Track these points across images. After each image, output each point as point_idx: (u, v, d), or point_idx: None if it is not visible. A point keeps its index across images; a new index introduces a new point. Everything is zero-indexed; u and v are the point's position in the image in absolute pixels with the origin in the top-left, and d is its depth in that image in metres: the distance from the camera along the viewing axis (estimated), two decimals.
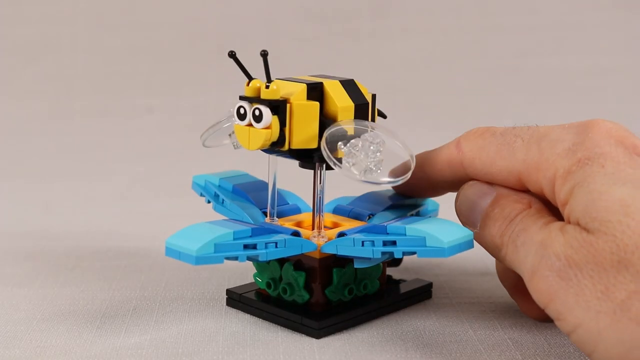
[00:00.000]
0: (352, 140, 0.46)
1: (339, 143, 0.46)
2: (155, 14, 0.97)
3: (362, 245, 0.46)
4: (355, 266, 0.47)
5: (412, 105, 0.93)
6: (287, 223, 0.51)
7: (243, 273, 0.57)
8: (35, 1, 0.95)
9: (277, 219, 0.51)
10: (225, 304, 0.53)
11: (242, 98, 0.47)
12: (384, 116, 0.52)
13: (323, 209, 0.49)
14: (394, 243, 0.46)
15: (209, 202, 0.54)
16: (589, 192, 0.41)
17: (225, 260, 0.59)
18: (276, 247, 0.46)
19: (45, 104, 0.93)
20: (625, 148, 0.42)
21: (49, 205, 0.74)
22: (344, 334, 0.48)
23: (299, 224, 0.52)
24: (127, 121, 0.92)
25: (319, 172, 0.48)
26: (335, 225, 0.52)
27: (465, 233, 0.45)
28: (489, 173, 0.47)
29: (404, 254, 0.46)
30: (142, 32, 0.96)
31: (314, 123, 0.47)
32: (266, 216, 0.51)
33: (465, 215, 0.48)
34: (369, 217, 0.52)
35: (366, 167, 0.46)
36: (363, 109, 0.48)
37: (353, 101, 0.48)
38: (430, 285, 0.54)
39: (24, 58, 0.94)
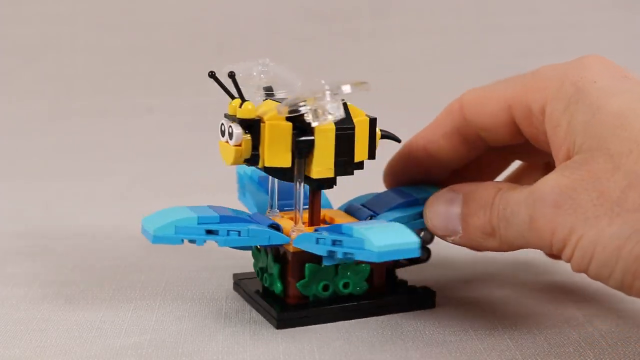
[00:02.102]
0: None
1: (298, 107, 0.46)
2: (155, 14, 0.97)
3: (317, 242, 0.47)
4: (323, 263, 0.48)
5: (412, 105, 0.93)
6: (286, 216, 0.52)
7: (243, 272, 0.57)
8: (35, 1, 0.95)
9: (277, 211, 0.52)
10: (225, 304, 0.53)
11: (225, 116, 0.50)
12: (397, 140, 0.52)
13: (301, 205, 0.49)
14: (340, 243, 0.46)
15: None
16: (586, 107, 0.42)
17: (226, 261, 0.60)
18: (239, 235, 0.48)
19: (45, 104, 0.93)
20: (616, 72, 0.44)
21: (48, 205, 0.74)
22: (344, 334, 0.48)
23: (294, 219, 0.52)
24: (127, 121, 0.92)
25: (296, 184, 0.49)
26: (332, 221, 0.52)
27: (407, 240, 0.45)
28: (483, 107, 0.49)
29: (345, 254, 0.46)
30: (142, 32, 0.96)
31: (286, 143, 0.48)
32: (275, 228, 0.51)
33: (443, 228, 0.48)
34: (370, 218, 0.51)
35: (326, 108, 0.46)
36: (346, 134, 0.48)
37: (337, 124, 0.48)
38: (433, 294, 0.52)
39: (24, 58, 0.94)
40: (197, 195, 0.78)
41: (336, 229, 0.48)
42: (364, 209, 0.52)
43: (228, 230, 0.48)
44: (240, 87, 0.48)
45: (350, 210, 0.53)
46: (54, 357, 0.45)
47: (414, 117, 0.92)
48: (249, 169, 0.55)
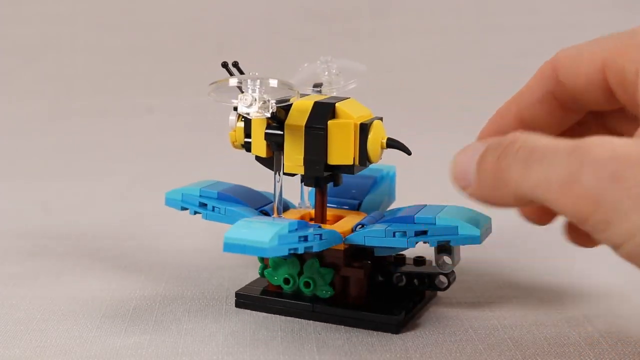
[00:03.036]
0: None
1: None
2: (155, 14, 0.97)
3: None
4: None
5: (412, 105, 0.93)
6: (290, 217, 0.53)
7: (244, 272, 0.57)
8: (35, 1, 0.95)
9: (308, 204, 0.55)
10: (225, 304, 0.53)
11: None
12: (407, 152, 0.50)
13: (278, 196, 0.51)
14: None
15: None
16: None
17: (226, 261, 0.60)
18: (219, 212, 0.52)
19: (45, 104, 0.93)
20: None
21: (47, 205, 0.74)
22: (344, 334, 0.48)
23: (304, 216, 0.53)
24: (127, 121, 0.92)
25: (275, 175, 0.51)
26: (339, 218, 0.52)
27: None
28: (576, 68, 0.44)
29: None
30: (142, 32, 0.96)
31: (263, 133, 0.50)
32: (264, 215, 0.53)
33: (460, 178, 0.42)
34: (360, 227, 0.51)
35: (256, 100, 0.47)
36: (314, 134, 0.49)
37: (307, 123, 0.49)
38: (398, 322, 0.49)
39: (24, 58, 0.94)
40: None
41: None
42: (377, 216, 0.52)
43: (213, 207, 0.52)
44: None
45: (367, 217, 0.53)
46: (54, 357, 0.45)
47: (414, 117, 0.92)
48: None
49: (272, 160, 0.51)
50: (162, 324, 0.50)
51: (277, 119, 0.49)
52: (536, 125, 0.46)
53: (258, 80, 0.47)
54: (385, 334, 0.48)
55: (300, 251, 0.46)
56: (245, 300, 0.52)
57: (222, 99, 0.48)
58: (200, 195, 0.53)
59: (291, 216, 0.52)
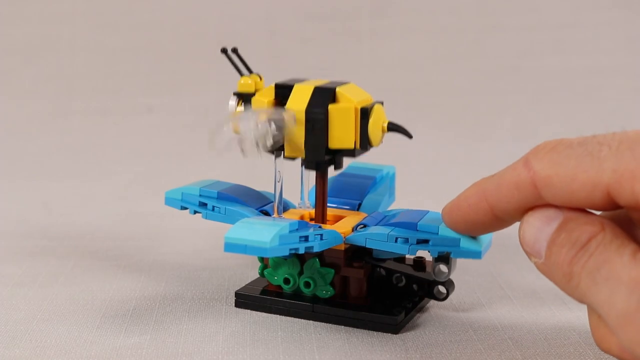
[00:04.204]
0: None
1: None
2: (155, 14, 0.97)
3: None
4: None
5: (412, 105, 0.93)
6: (290, 217, 0.53)
7: (244, 272, 0.57)
8: (35, 1, 0.95)
9: (309, 203, 0.54)
10: (225, 304, 0.53)
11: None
12: (408, 135, 0.50)
13: (279, 191, 0.51)
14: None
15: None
16: None
17: (226, 261, 0.60)
18: (219, 212, 0.52)
19: (45, 104, 0.93)
20: None
21: (47, 205, 0.74)
22: (344, 334, 0.48)
23: (303, 217, 0.53)
24: (127, 121, 0.92)
25: (275, 175, 0.51)
26: (338, 217, 0.53)
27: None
28: (569, 191, 0.40)
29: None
30: (142, 32, 0.96)
31: None
32: (264, 214, 0.53)
33: (530, 245, 0.41)
34: (361, 227, 0.51)
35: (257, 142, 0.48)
36: (314, 117, 0.49)
37: (307, 107, 0.49)
38: (396, 323, 0.49)
39: (24, 58, 0.94)
40: None
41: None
42: (378, 217, 0.52)
43: (213, 206, 0.52)
44: (240, 62, 0.51)
45: (367, 217, 0.53)
46: (54, 357, 0.45)
47: (414, 117, 0.92)
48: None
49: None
50: (162, 324, 0.50)
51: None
52: (509, 220, 0.44)
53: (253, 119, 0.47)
54: (385, 334, 0.48)
55: (301, 251, 0.46)
56: (245, 300, 0.52)
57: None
58: (200, 195, 0.53)
59: (291, 216, 0.52)
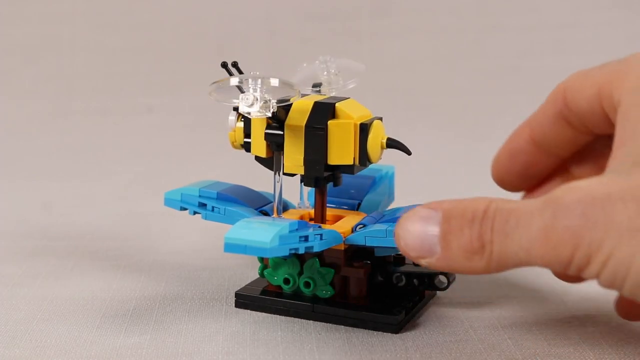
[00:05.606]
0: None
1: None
2: (155, 14, 0.97)
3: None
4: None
5: (412, 105, 0.93)
6: (289, 217, 0.52)
7: (244, 272, 0.57)
8: (35, 1, 0.95)
9: (308, 204, 0.54)
10: (225, 304, 0.53)
11: None
12: (407, 152, 0.50)
13: (278, 197, 0.51)
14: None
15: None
16: None
17: (225, 261, 0.60)
18: (218, 213, 0.52)
19: (45, 104, 0.93)
20: None
21: (47, 205, 0.74)
22: (344, 334, 0.48)
23: (303, 216, 0.53)
24: (127, 121, 0.92)
25: (275, 175, 0.51)
26: (337, 217, 0.53)
27: (260, 238, 0.45)
28: (580, 93, 0.44)
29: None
30: (142, 32, 0.96)
31: (263, 134, 0.50)
32: (264, 215, 0.53)
33: (417, 249, 0.42)
34: (360, 227, 0.51)
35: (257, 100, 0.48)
36: (314, 133, 0.49)
37: (307, 122, 0.49)
38: (397, 323, 0.49)
39: (24, 58, 0.94)
40: None
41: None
42: (376, 216, 0.52)
43: (213, 207, 0.52)
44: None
45: (366, 217, 0.53)
46: (54, 357, 0.45)
47: (414, 117, 0.92)
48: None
49: (272, 160, 0.51)
50: (162, 324, 0.50)
51: (278, 119, 0.49)
52: (548, 146, 0.47)
53: (259, 80, 0.47)
54: (385, 334, 0.48)
55: (301, 251, 0.46)
56: (245, 300, 0.52)
57: (223, 98, 0.48)
58: (200, 196, 0.53)
59: (291, 216, 0.52)
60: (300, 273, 0.51)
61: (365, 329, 0.49)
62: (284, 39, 0.96)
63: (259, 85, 0.47)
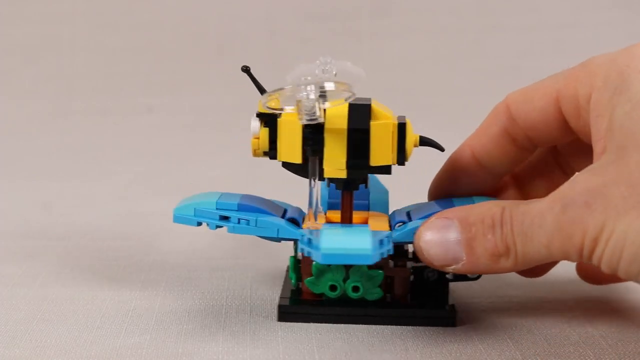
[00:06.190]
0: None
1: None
2: (155, 14, 0.97)
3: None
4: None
5: (412, 105, 0.93)
6: (334, 216, 0.52)
7: (244, 272, 0.57)
8: (35, 1, 0.95)
9: (321, 209, 0.52)
10: (225, 303, 0.53)
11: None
12: (440, 149, 0.51)
13: (315, 203, 0.50)
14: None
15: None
16: (627, 99, 0.41)
17: (225, 261, 0.60)
18: (248, 224, 0.49)
19: (45, 104, 0.93)
20: None
21: (47, 205, 0.74)
22: (344, 334, 0.48)
23: (329, 219, 0.52)
24: (127, 121, 0.92)
25: (311, 181, 0.49)
26: (364, 220, 0.52)
27: (361, 246, 0.45)
28: (530, 103, 0.47)
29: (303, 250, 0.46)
30: (142, 32, 0.96)
31: (298, 139, 0.48)
32: (293, 223, 0.51)
33: (441, 258, 0.45)
34: (399, 225, 0.50)
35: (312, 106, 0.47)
36: (358, 135, 0.48)
37: (349, 125, 0.48)
38: (453, 314, 0.50)
39: (24, 58, 0.95)
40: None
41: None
42: (402, 214, 0.52)
43: (239, 219, 0.49)
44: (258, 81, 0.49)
45: (392, 215, 0.53)
46: (54, 357, 0.45)
47: (414, 117, 0.92)
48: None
49: (303, 166, 0.49)
50: (162, 324, 0.50)
51: (317, 123, 0.48)
52: (490, 163, 0.50)
53: (313, 85, 0.46)
54: (385, 333, 0.48)
55: (385, 255, 0.46)
56: (290, 311, 0.50)
57: (277, 106, 0.47)
58: (218, 208, 0.50)
59: (321, 221, 0.51)
60: (346, 278, 0.50)
61: (421, 325, 0.49)
62: (284, 39, 0.96)
63: (317, 91, 0.46)
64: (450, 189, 0.52)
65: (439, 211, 0.48)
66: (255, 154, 0.50)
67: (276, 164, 0.50)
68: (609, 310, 0.52)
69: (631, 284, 0.55)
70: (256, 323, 0.50)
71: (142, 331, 0.48)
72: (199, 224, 0.50)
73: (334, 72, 0.51)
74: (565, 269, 0.58)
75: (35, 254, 0.61)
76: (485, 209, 0.44)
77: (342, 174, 0.49)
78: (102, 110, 0.93)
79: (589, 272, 0.52)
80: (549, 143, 0.49)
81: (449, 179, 0.52)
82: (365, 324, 0.49)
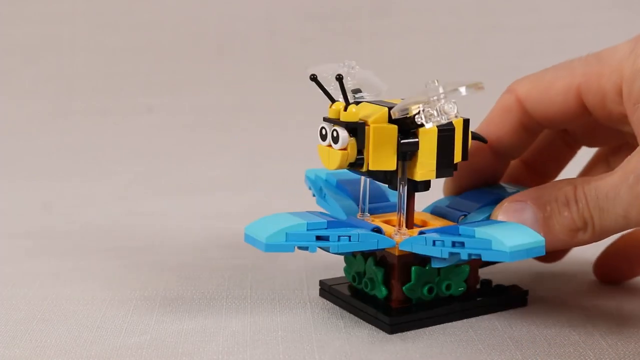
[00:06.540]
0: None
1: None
2: (155, 14, 0.97)
3: (434, 244, 0.47)
4: (432, 265, 0.48)
5: None
6: (377, 220, 0.52)
7: (243, 272, 0.57)
8: (35, 1, 0.95)
9: (368, 214, 0.52)
10: (225, 303, 0.53)
11: (324, 119, 0.49)
12: (484, 141, 0.52)
13: (405, 208, 0.49)
14: (462, 244, 0.46)
15: (314, 195, 0.53)
16: None
17: (225, 261, 0.60)
18: (349, 240, 0.48)
19: (45, 104, 0.93)
20: None
21: (47, 205, 0.74)
22: (344, 334, 0.48)
23: (388, 222, 0.52)
24: (127, 121, 0.92)
25: (400, 187, 0.49)
26: (424, 224, 0.52)
27: (535, 239, 0.45)
28: (548, 99, 0.49)
29: (470, 255, 0.46)
30: (142, 32, 0.96)
31: (392, 146, 0.48)
32: (377, 232, 0.50)
33: None
34: (462, 217, 0.51)
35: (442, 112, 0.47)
36: (447, 135, 0.49)
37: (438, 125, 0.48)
38: (525, 293, 0.53)
39: (24, 58, 0.95)
40: (197, 195, 0.78)
41: (448, 230, 0.48)
42: (453, 210, 0.52)
43: (339, 236, 0.48)
44: (326, 88, 0.48)
45: (436, 212, 0.53)
46: (54, 357, 0.45)
47: None
48: (323, 173, 0.55)
49: (390, 173, 0.49)
50: (162, 324, 0.50)
51: (409, 127, 0.48)
52: (510, 154, 0.53)
53: (441, 87, 0.47)
54: (384, 333, 0.48)
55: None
56: (400, 318, 0.49)
57: (407, 112, 0.47)
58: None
59: (383, 225, 0.51)
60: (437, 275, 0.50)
61: (503, 310, 0.51)
62: (284, 39, 0.96)
63: (444, 95, 0.47)
64: (467, 177, 0.54)
65: (489, 201, 0.51)
66: (340, 167, 0.48)
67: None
68: (609, 310, 0.52)
69: (632, 284, 0.56)
70: (256, 323, 0.50)
71: (142, 331, 0.49)
72: (301, 248, 0.48)
73: (357, 78, 0.51)
74: (566, 269, 0.58)
75: (35, 254, 0.61)
76: (556, 188, 0.47)
77: (432, 175, 0.49)
78: (102, 110, 0.93)
79: (606, 271, 0.55)
80: (562, 127, 0.52)
81: (469, 174, 0.53)
82: (457, 320, 0.50)
